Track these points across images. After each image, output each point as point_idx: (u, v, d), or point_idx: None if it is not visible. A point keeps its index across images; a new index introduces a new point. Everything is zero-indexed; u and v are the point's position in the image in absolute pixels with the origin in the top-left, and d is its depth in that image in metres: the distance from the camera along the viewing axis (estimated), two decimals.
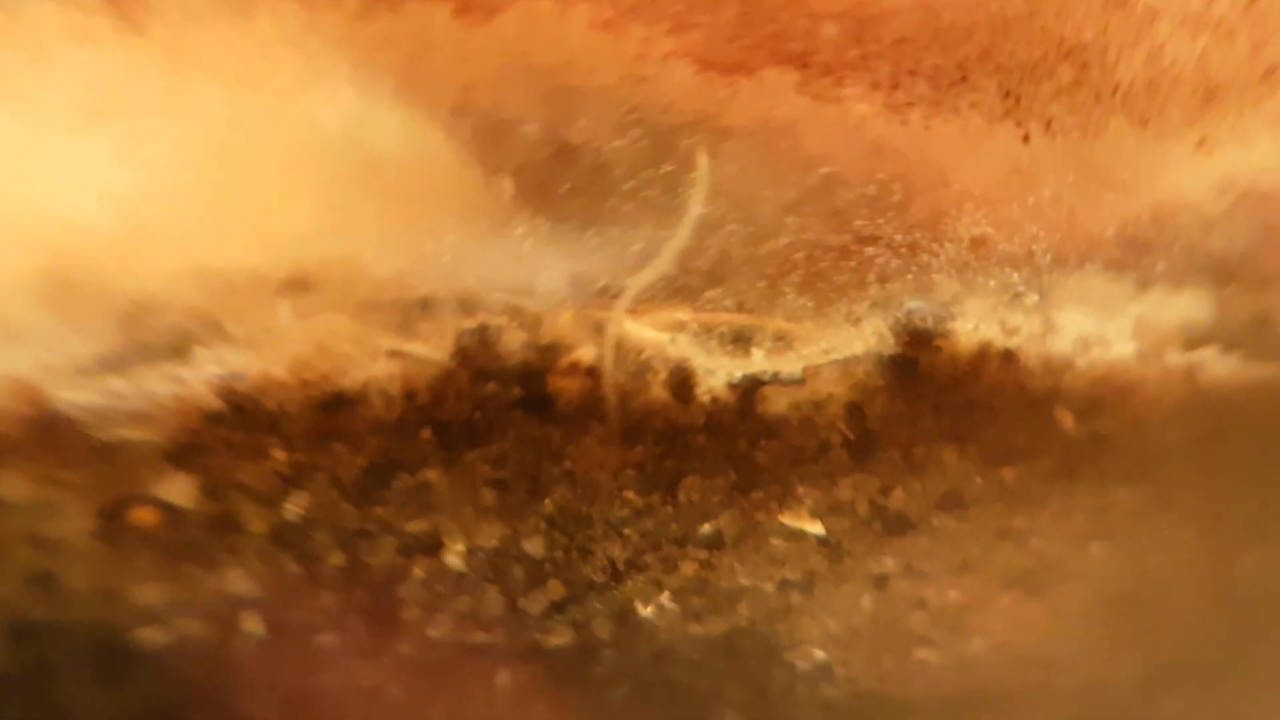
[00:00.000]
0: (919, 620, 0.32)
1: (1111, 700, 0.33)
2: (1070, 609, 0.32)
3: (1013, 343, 0.29)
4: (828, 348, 0.29)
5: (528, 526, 0.32)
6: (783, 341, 0.29)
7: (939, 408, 0.30)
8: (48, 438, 0.29)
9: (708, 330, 0.30)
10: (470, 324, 0.30)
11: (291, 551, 0.31)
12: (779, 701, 0.33)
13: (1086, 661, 0.32)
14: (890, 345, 0.29)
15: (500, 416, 0.31)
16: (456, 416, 0.30)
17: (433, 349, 0.30)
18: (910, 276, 0.28)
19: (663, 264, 0.27)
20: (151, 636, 0.31)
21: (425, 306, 0.30)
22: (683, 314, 0.31)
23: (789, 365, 0.30)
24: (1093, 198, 0.30)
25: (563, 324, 0.30)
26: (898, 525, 0.31)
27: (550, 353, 0.30)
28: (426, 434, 0.31)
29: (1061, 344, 0.30)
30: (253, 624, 0.31)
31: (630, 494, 0.32)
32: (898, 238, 0.27)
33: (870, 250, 0.28)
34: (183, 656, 0.32)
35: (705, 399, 0.31)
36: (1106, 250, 0.28)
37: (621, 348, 0.31)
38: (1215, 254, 0.31)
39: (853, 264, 0.28)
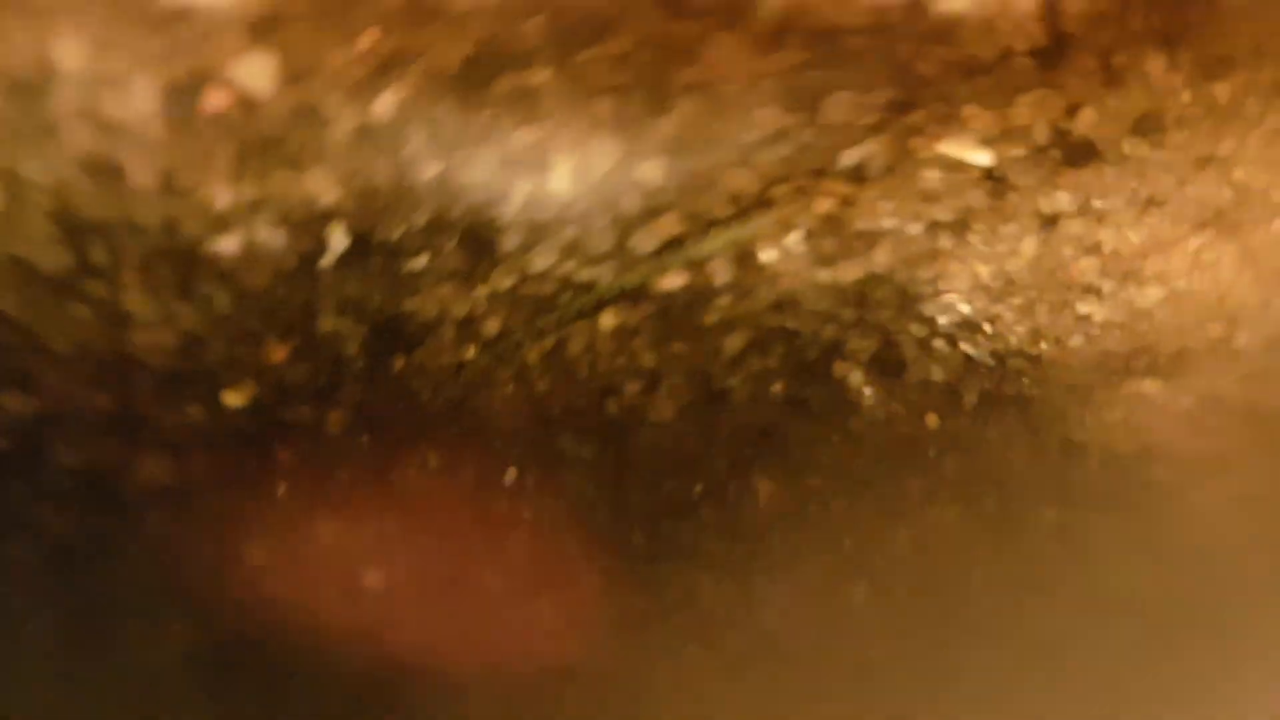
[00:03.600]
0: (1088, 267, 0.28)
1: None
2: (1269, 253, 0.28)
3: None
4: None
5: (645, 146, 0.28)
6: None
7: (1152, 3, 0.25)
8: None
9: None
10: None
11: (383, 156, 0.27)
12: (911, 359, 0.31)
13: (1277, 316, 0.29)
14: None
15: (622, 4, 0.27)
16: (572, 3, 0.26)
17: None
18: None
19: None
20: (222, 244, 0.28)
21: None
22: None
23: None
24: None
25: None
26: (1080, 153, 0.27)
27: None
28: (536, 24, 0.27)
29: None
30: (338, 240, 0.28)
31: (765, 111, 0.28)
32: None
33: None
34: (257, 270, 0.29)
35: None
36: None
37: None
38: None
39: None
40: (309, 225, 0.28)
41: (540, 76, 0.27)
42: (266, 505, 0.32)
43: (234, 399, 0.31)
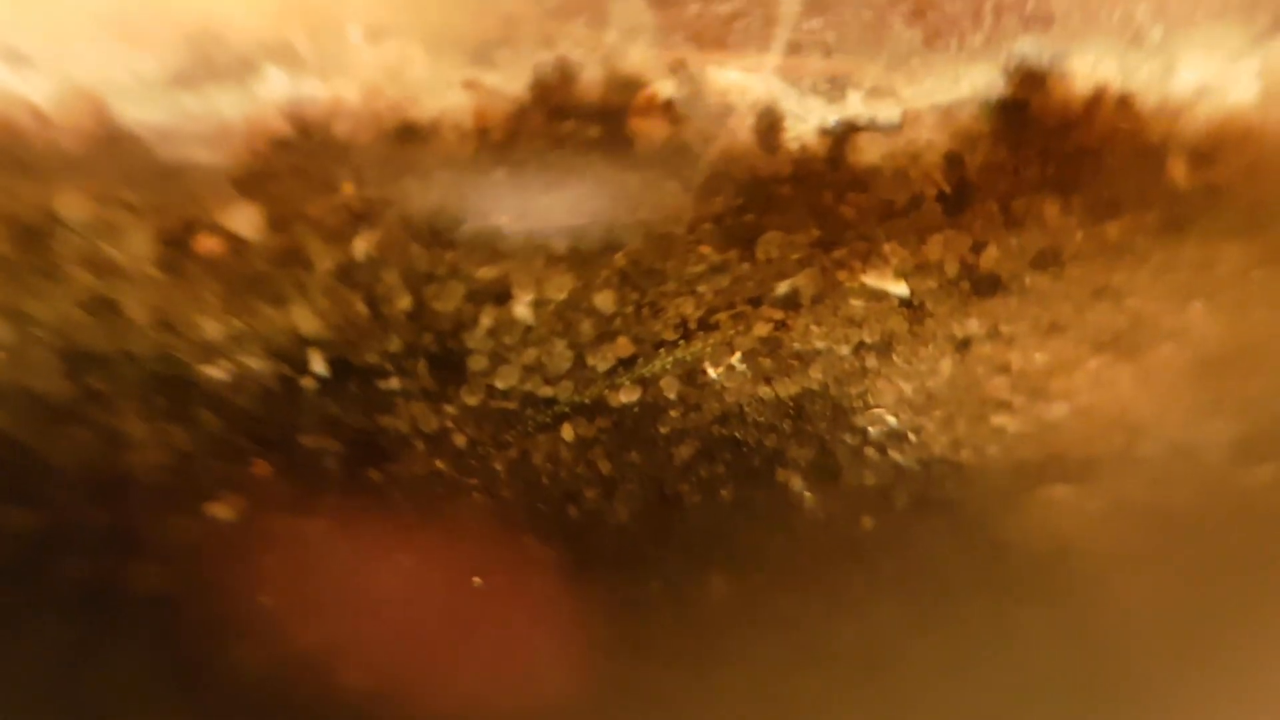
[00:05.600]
0: (1000, 384, 0.31)
1: (1196, 468, 0.33)
2: (1162, 371, 0.31)
3: (1130, 85, 0.28)
4: (931, 89, 0.28)
5: (599, 279, 0.31)
6: (882, 84, 0.28)
7: (1045, 156, 0.28)
8: (111, 155, 0.28)
9: (799, 72, 0.29)
10: (548, 56, 0.29)
11: (359, 292, 0.30)
12: (846, 466, 0.33)
13: (1173, 427, 0.32)
14: (1000, 88, 0.28)
15: (577, 159, 0.29)
16: (531, 156, 0.29)
17: (508, 81, 0.29)
18: (1030, 5, 0.27)
19: None
20: (211, 372, 0.31)
21: (502, 34, 0.29)
22: (773, 57, 0.29)
23: (887, 110, 0.28)
24: None
25: (644, 60, 0.29)
26: (987, 285, 0.30)
27: (629, 89, 0.29)
28: (498, 175, 0.29)
29: (1181, 87, 0.28)
30: (318, 365, 0.31)
31: (706, 249, 0.31)
32: None
33: None
34: (243, 394, 0.31)
35: (793, 147, 0.29)
36: None
37: (706, 88, 0.29)
38: None
39: None
40: (291, 353, 0.31)
41: (502, 219, 0.30)
42: (252, 608, 0.34)
43: (222, 511, 0.33)
